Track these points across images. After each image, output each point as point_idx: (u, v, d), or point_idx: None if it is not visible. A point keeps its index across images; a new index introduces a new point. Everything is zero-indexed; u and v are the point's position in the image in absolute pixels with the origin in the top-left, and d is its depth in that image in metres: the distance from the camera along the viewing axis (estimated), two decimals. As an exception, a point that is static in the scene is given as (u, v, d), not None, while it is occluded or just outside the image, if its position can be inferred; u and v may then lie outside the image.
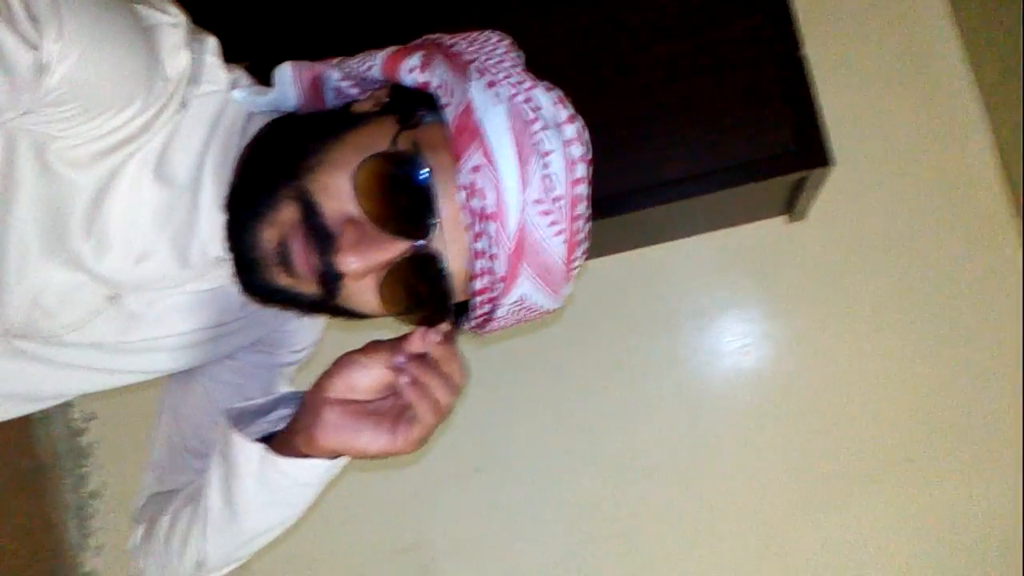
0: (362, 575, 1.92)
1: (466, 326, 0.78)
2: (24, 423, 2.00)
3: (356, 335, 0.78)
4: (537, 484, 1.89)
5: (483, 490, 1.90)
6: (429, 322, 0.72)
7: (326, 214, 0.68)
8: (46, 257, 0.73)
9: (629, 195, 1.39)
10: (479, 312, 0.73)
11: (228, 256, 0.73)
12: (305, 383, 0.75)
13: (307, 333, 0.97)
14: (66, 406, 2.03)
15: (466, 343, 0.77)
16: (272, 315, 0.86)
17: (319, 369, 0.73)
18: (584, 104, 0.73)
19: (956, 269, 1.78)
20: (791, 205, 1.70)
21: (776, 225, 1.83)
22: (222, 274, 0.79)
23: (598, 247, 1.78)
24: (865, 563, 1.78)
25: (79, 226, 0.72)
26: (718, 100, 1.37)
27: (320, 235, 0.68)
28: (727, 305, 1.88)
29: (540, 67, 0.73)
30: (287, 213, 0.68)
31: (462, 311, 0.76)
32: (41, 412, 2.01)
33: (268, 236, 0.69)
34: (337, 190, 0.68)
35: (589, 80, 1.39)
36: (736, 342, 1.87)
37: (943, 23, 1.82)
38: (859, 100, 1.80)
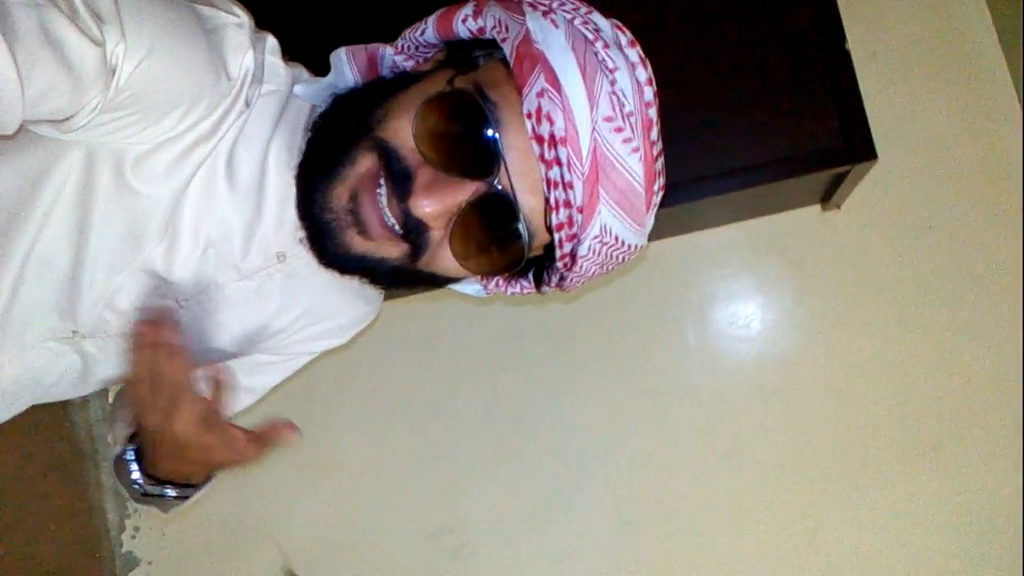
0: (395, 558, 1.94)
1: (551, 279, 0.76)
2: (61, 409, 2.02)
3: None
4: (570, 468, 1.90)
5: (516, 474, 1.92)
6: (510, 271, 0.70)
7: (404, 157, 0.66)
8: (123, 262, 0.74)
9: (673, 188, 1.38)
10: (562, 253, 0.70)
11: (302, 227, 0.71)
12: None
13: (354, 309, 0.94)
14: (103, 392, 2.05)
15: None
16: (322, 295, 0.86)
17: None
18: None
19: (990, 263, 1.78)
20: (828, 195, 1.71)
21: (810, 213, 1.83)
22: (281, 267, 0.80)
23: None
24: (891, 550, 1.79)
25: (154, 232, 0.72)
26: (763, 93, 1.37)
27: (400, 179, 0.66)
28: (758, 292, 1.88)
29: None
30: (364, 165, 0.67)
31: (546, 261, 0.75)
32: (79, 398, 2.03)
33: (339, 193, 0.67)
34: (407, 135, 0.67)
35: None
36: (766, 329, 1.87)
37: (978, 12, 1.80)
38: (893, 92, 1.79)
